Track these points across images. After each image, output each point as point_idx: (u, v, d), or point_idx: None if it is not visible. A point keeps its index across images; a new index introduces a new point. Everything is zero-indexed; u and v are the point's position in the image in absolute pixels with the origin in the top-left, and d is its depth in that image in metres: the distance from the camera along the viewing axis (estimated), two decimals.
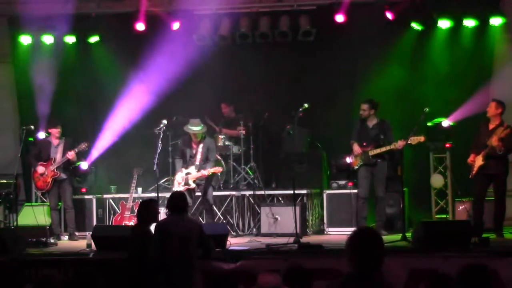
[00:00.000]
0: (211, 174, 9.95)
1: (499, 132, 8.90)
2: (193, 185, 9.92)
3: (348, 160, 10.13)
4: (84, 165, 11.04)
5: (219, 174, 10.44)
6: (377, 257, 3.86)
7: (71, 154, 10.23)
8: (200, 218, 10.86)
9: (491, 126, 9.11)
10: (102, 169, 11.81)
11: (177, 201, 7.06)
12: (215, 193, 10.96)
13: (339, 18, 11.19)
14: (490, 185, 9.18)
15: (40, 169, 10.34)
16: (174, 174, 10.16)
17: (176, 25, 11.58)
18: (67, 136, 10.66)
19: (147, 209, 7.17)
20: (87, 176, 11.48)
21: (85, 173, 11.36)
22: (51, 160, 10.38)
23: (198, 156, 10.04)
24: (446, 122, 10.69)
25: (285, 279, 5.02)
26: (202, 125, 10.13)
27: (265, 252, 8.17)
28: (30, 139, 11.05)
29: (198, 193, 10.84)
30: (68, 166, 10.49)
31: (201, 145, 10.06)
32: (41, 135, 11.23)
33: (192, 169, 9.98)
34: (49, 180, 10.34)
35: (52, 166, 10.32)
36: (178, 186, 9.96)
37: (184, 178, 9.97)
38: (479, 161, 9.02)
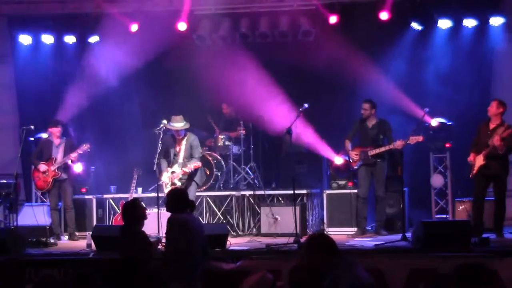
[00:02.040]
0: (193, 171, 9.68)
1: (500, 132, 8.87)
2: (179, 184, 9.69)
3: (338, 161, 10.16)
4: (77, 167, 10.87)
5: (205, 171, 10.32)
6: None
7: (73, 156, 10.22)
8: (200, 218, 10.85)
9: (491, 126, 9.06)
10: (102, 169, 11.81)
11: (183, 199, 7.02)
12: (214, 193, 10.99)
13: (332, 19, 11.23)
14: (490, 184, 9.16)
15: (42, 167, 10.33)
16: (160, 175, 9.84)
17: (182, 26, 11.57)
18: (68, 136, 10.66)
19: (135, 208, 7.07)
20: (86, 176, 11.46)
21: (83, 174, 11.32)
22: (52, 160, 10.38)
23: (182, 154, 9.80)
24: (433, 122, 10.68)
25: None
26: (184, 121, 9.88)
27: (265, 252, 8.17)
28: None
29: (197, 193, 10.86)
30: (69, 167, 10.47)
31: (184, 143, 9.84)
32: (43, 135, 11.23)
33: (176, 168, 9.78)
34: (50, 180, 10.34)
35: (53, 166, 10.32)
36: (165, 187, 9.75)
37: (170, 178, 9.76)
38: (480, 160, 9.00)
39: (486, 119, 9.20)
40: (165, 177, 9.79)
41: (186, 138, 9.87)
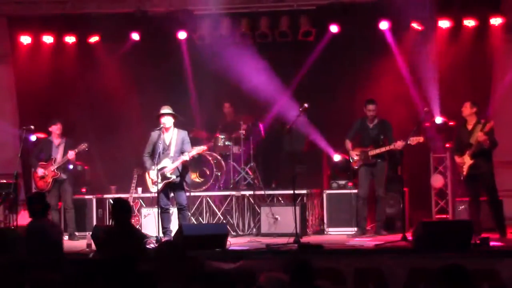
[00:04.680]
0: (182, 169, 9.27)
1: (479, 129, 9.01)
2: (173, 177, 9.21)
3: (336, 158, 10.16)
4: None
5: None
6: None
7: (71, 155, 10.21)
8: (200, 218, 10.87)
9: (469, 127, 9.22)
10: (102, 169, 11.80)
11: (43, 203, 6.98)
12: (214, 193, 10.98)
13: (333, 28, 11.25)
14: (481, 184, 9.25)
15: (40, 171, 10.32)
16: (147, 173, 9.45)
17: (182, 35, 11.59)
18: (68, 136, 10.64)
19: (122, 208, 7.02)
20: (82, 176, 11.46)
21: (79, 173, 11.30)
22: (52, 160, 10.36)
23: (173, 148, 9.27)
24: (438, 119, 10.71)
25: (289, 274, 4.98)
26: (171, 111, 9.40)
27: (265, 252, 8.16)
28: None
29: (197, 193, 10.85)
30: (69, 167, 10.44)
31: (175, 137, 9.36)
32: (33, 138, 11.21)
33: (166, 162, 9.21)
34: (50, 180, 10.32)
35: (53, 167, 10.30)
36: (153, 184, 9.28)
37: (159, 174, 9.16)
38: (468, 161, 9.07)
39: (483, 119, 9.26)
40: (153, 175, 9.28)
41: (176, 132, 9.41)
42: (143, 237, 7.20)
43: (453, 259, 6.92)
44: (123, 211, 6.91)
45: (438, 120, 10.69)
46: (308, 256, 7.68)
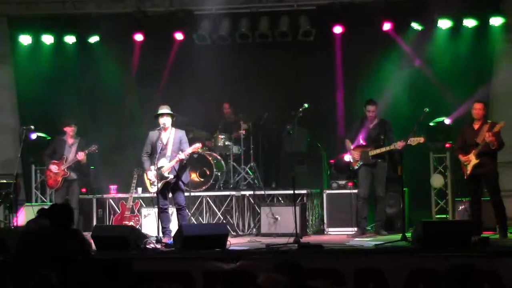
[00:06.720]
0: (179, 170, 9.22)
1: (486, 129, 9.00)
2: (171, 176, 9.16)
3: (347, 158, 10.14)
4: None
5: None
6: None
7: (81, 155, 10.17)
8: (200, 218, 10.87)
9: (476, 126, 9.21)
10: (102, 169, 11.80)
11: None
12: (215, 193, 10.98)
13: (337, 29, 11.27)
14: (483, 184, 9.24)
15: (54, 167, 10.27)
16: (145, 173, 9.44)
17: (179, 36, 11.61)
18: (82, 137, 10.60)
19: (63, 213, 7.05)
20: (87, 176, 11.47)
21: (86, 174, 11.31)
22: (63, 159, 10.30)
23: (170, 147, 9.22)
24: (446, 120, 10.73)
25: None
26: (170, 110, 9.39)
27: (265, 252, 8.16)
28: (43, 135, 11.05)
29: (197, 193, 10.86)
30: (79, 167, 10.41)
31: (172, 136, 9.32)
32: (33, 137, 11.20)
33: (163, 162, 9.17)
34: (60, 179, 10.27)
35: (63, 166, 10.25)
36: (152, 185, 9.27)
37: (157, 174, 9.11)
38: (473, 160, 9.05)
39: (470, 120, 9.30)
40: (151, 175, 9.27)
41: (174, 132, 9.37)
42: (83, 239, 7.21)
43: (452, 259, 6.94)
44: (61, 216, 6.85)
45: (446, 121, 10.71)
46: (308, 256, 7.71)
